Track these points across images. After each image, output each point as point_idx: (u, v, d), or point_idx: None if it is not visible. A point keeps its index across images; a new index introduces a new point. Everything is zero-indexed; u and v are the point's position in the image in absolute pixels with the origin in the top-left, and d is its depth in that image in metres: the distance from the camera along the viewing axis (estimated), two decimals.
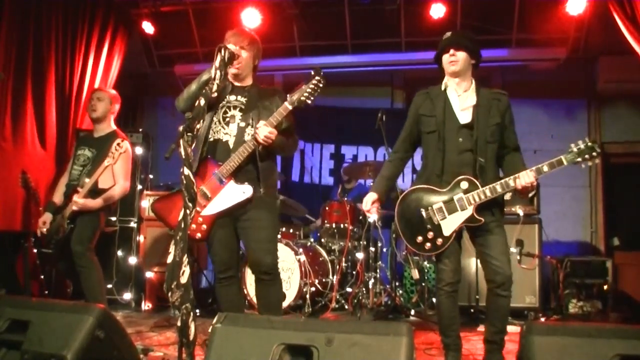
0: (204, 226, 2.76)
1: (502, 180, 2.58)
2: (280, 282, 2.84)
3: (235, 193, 2.71)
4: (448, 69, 2.71)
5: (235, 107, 2.83)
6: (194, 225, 2.73)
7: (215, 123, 2.80)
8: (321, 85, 2.66)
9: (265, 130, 2.63)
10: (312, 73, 2.67)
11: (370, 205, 2.83)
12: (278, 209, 2.88)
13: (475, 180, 2.60)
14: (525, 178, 2.53)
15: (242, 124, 2.77)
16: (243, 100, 2.84)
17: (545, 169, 2.53)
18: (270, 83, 6.32)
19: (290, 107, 2.67)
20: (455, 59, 2.67)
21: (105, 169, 3.39)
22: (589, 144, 2.54)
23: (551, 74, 6.02)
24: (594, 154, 2.54)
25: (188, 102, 2.75)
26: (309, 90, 2.65)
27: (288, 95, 2.69)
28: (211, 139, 2.79)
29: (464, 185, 2.61)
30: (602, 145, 6.17)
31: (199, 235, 2.76)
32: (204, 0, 6.04)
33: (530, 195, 2.71)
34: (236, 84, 2.90)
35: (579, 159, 2.55)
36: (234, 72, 2.83)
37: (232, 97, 2.85)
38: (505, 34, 5.91)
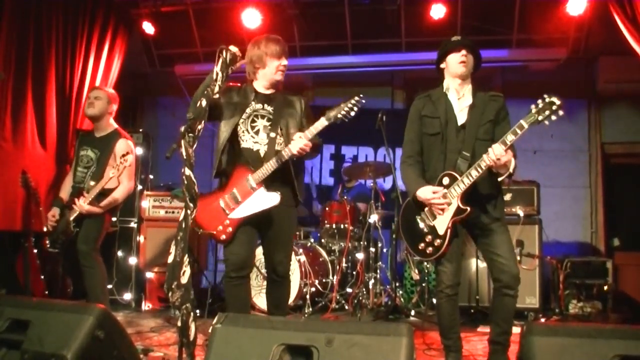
0: (230, 229, 2.79)
1: (475, 164, 2.55)
2: (289, 283, 3.02)
3: (264, 199, 2.76)
4: (457, 69, 2.70)
5: (263, 117, 2.88)
6: (220, 227, 2.78)
7: (243, 132, 2.85)
8: (359, 106, 2.74)
9: (301, 143, 2.71)
10: (352, 94, 2.77)
11: (441, 190, 2.63)
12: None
13: (454, 173, 2.61)
14: (494, 150, 2.47)
15: (273, 134, 2.83)
16: (270, 109, 2.90)
17: (510, 137, 2.47)
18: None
19: (327, 123, 2.76)
20: (465, 60, 2.68)
21: (110, 179, 3.40)
22: (547, 99, 2.44)
23: (551, 74, 6.02)
24: (555, 107, 2.41)
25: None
26: (346, 109, 2.73)
27: (327, 111, 2.77)
28: (242, 147, 2.84)
29: (446, 181, 2.64)
30: (602, 145, 6.18)
31: (223, 237, 2.80)
32: (204, 0, 6.04)
33: (505, 176, 2.61)
34: (260, 91, 2.95)
35: (540, 117, 2.43)
36: (279, 79, 2.92)
37: (259, 106, 2.90)
38: (505, 35, 5.91)
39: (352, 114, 2.74)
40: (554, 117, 2.43)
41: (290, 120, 2.88)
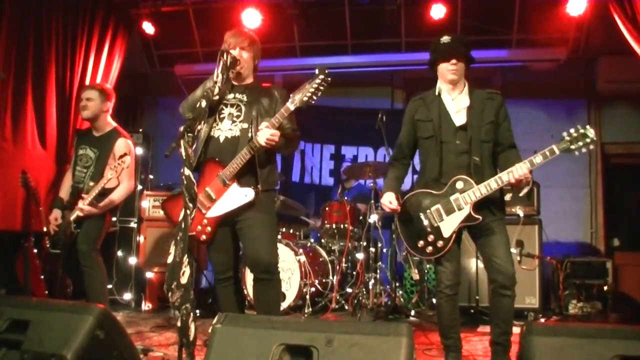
0: (209, 228, 2.75)
1: (497, 176, 2.56)
2: (280, 283, 2.81)
3: (238, 196, 2.69)
4: (447, 77, 2.70)
5: (232, 105, 2.83)
6: (199, 227, 2.74)
7: (214, 121, 2.82)
8: (325, 84, 2.58)
9: (267, 133, 2.60)
10: (317, 72, 2.59)
11: (395, 203, 2.75)
12: (275, 208, 2.88)
13: (470, 179, 2.61)
14: (519, 170, 2.49)
15: (245, 125, 2.75)
16: (241, 97, 2.84)
17: (539, 159, 2.48)
18: (270, 83, 6.33)
19: (292, 108, 2.62)
20: (456, 69, 2.67)
21: (109, 180, 3.37)
22: (581, 130, 2.45)
23: (551, 74, 6.02)
24: (588, 140, 2.43)
25: (192, 107, 2.74)
26: (312, 90, 2.57)
27: (290, 95, 2.65)
28: (209, 136, 2.80)
29: (460, 185, 2.63)
30: (602, 145, 6.18)
31: (203, 237, 2.76)
32: (204, 0, 6.04)
33: (525, 190, 2.63)
34: (236, 83, 2.91)
35: (573, 147, 2.46)
36: (237, 69, 2.83)
37: (230, 96, 2.86)
38: (505, 35, 5.91)
39: (319, 94, 2.57)
40: (584, 150, 2.46)
41: (264, 110, 2.78)
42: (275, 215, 2.89)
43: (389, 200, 2.75)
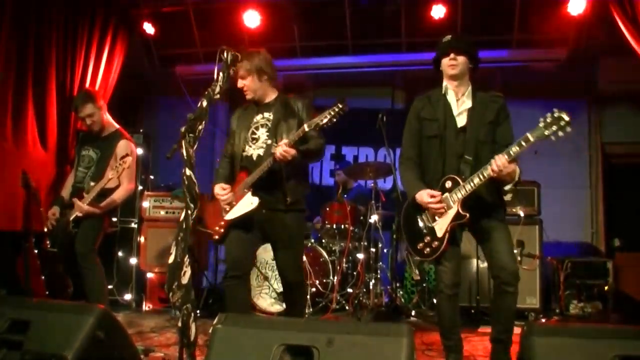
0: (222, 230, 2.95)
1: (478, 171, 2.55)
2: (305, 289, 3.19)
3: (246, 203, 2.87)
4: (447, 71, 2.73)
5: (262, 126, 2.98)
6: (216, 227, 2.96)
7: (244, 143, 2.99)
8: (342, 113, 2.73)
9: (280, 149, 2.75)
10: (336, 100, 2.74)
11: (437, 195, 2.63)
12: (304, 229, 3.20)
13: (457, 178, 2.61)
14: (497, 161, 2.45)
15: (270, 141, 2.91)
16: (268, 116, 2.98)
17: (515, 149, 2.44)
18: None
19: (307, 129, 2.77)
20: (455, 63, 2.69)
21: (110, 180, 3.39)
22: (556, 114, 2.39)
23: (552, 74, 6.02)
24: (562, 122, 2.36)
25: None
26: (328, 116, 2.73)
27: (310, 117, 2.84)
28: (245, 155, 2.98)
29: (448, 184, 2.64)
30: (602, 145, 6.18)
31: (216, 236, 2.97)
32: (205, 0, 6.04)
33: (510, 186, 2.59)
34: (263, 101, 3.04)
35: (547, 132, 2.39)
36: (249, 98, 3.00)
37: (259, 117, 3.01)
38: (505, 35, 5.90)
39: (335, 120, 2.74)
40: (561, 133, 2.38)
41: (289, 125, 2.92)
42: (303, 236, 3.22)
43: (430, 195, 2.62)
